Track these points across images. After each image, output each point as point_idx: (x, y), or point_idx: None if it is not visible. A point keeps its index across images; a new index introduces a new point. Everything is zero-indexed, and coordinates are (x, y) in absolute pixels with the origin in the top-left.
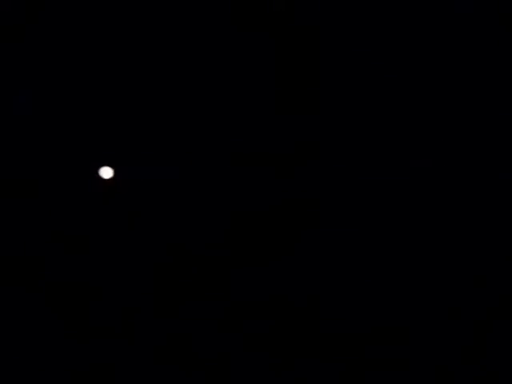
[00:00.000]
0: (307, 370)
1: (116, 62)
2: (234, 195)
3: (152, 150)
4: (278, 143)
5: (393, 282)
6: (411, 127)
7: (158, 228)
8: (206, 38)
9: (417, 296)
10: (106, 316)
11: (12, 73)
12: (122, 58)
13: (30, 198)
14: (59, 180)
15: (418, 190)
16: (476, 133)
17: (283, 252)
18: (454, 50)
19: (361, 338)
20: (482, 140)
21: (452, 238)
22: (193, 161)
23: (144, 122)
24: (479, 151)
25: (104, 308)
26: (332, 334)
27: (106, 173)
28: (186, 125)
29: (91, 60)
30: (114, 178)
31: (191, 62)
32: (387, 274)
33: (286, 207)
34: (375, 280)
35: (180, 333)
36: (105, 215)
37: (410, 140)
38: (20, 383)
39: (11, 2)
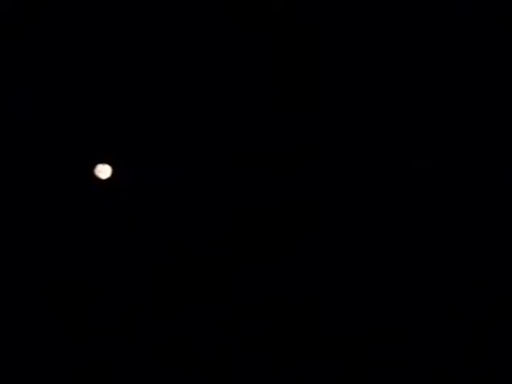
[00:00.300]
0: (307, 370)
1: (116, 61)
2: (234, 195)
3: (152, 150)
4: (278, 143)
5: (393, 282)
6: (411, 127)
7: (158, 228)
8: (205, 37)
9: (417, 296)
10: (105, 316)
11: (12, 73)
12: (122, 58)
13: (29, 198)
14: (59, 179)
15: (417, 190)
16: (476, 133)
17: (283, 252)
18: (453, 50)
19: (361, 337)
20: (482, 140)
21: (452, 238)
22: (193, 161)
23: (144, 122)
24: (479, 151)
25: (104, 308)
26: (332, 333)
27: (106, 172)
28: (185, 124)
29: (91, 59)
30: (114, 178)
31: (191, 61)
32: (387, 274)
33: (286, 207)
34: (375, 280)
35: (180, 333)
36: (104, 215)
37: (410, 140)
38: (20, 383)
39: (11, 2)
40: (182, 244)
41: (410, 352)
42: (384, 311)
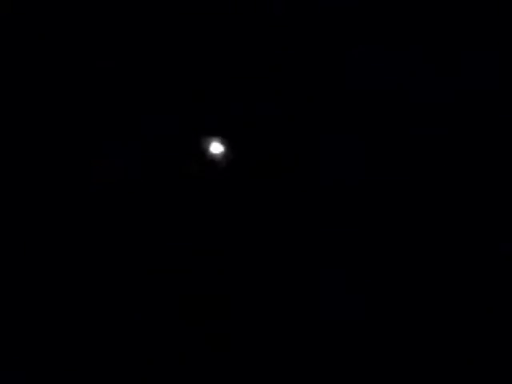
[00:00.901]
0: (307, 370)
1: (117, 62)
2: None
3: (150, 150)
4: (277, 144)
5: (393, 282)
6: (411, 128)
7: (157, 228)
8: (205, 37)
9: (416, 297)
10: (105, 316)
11: (10, 71)
12: (122, 59)
13: (26, 195)
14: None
15: (417, 191)
16: (476, 133)
17: (283, 252)
18: (454, 51)
19: (360, 337)
20: (482, 141)
21: (452, 238)
22: (192, 160)
23: (143, 122)
24: (479, 152)
25: (103, 307)
26: (331, 334)
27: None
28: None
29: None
30: (109, 174)
31: (192, 63)
32: (387, 274)
33: (285, 206)
34: (375, 279)
35: (180, 333)
36: (102, 214)
37: (410, 141)
38: (19, 383)
39: (11, 2)
40: (182, 244)
41: (410, 351)
42: (383, 311)
